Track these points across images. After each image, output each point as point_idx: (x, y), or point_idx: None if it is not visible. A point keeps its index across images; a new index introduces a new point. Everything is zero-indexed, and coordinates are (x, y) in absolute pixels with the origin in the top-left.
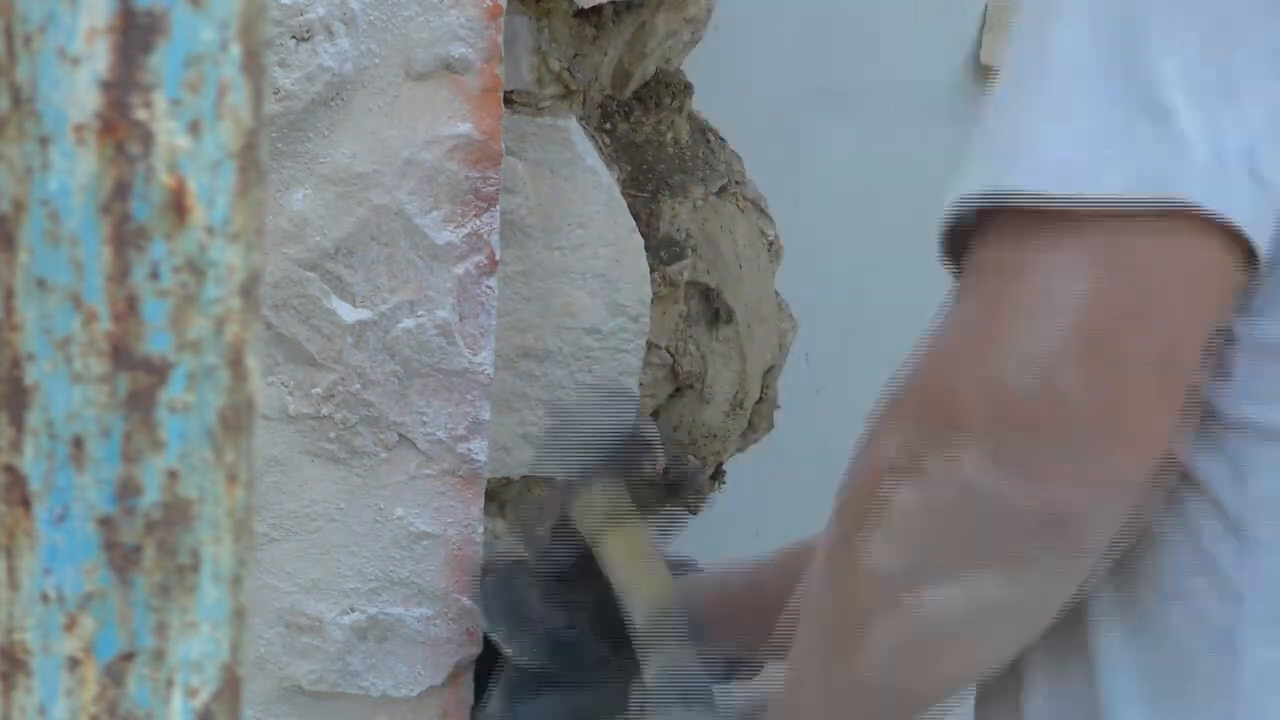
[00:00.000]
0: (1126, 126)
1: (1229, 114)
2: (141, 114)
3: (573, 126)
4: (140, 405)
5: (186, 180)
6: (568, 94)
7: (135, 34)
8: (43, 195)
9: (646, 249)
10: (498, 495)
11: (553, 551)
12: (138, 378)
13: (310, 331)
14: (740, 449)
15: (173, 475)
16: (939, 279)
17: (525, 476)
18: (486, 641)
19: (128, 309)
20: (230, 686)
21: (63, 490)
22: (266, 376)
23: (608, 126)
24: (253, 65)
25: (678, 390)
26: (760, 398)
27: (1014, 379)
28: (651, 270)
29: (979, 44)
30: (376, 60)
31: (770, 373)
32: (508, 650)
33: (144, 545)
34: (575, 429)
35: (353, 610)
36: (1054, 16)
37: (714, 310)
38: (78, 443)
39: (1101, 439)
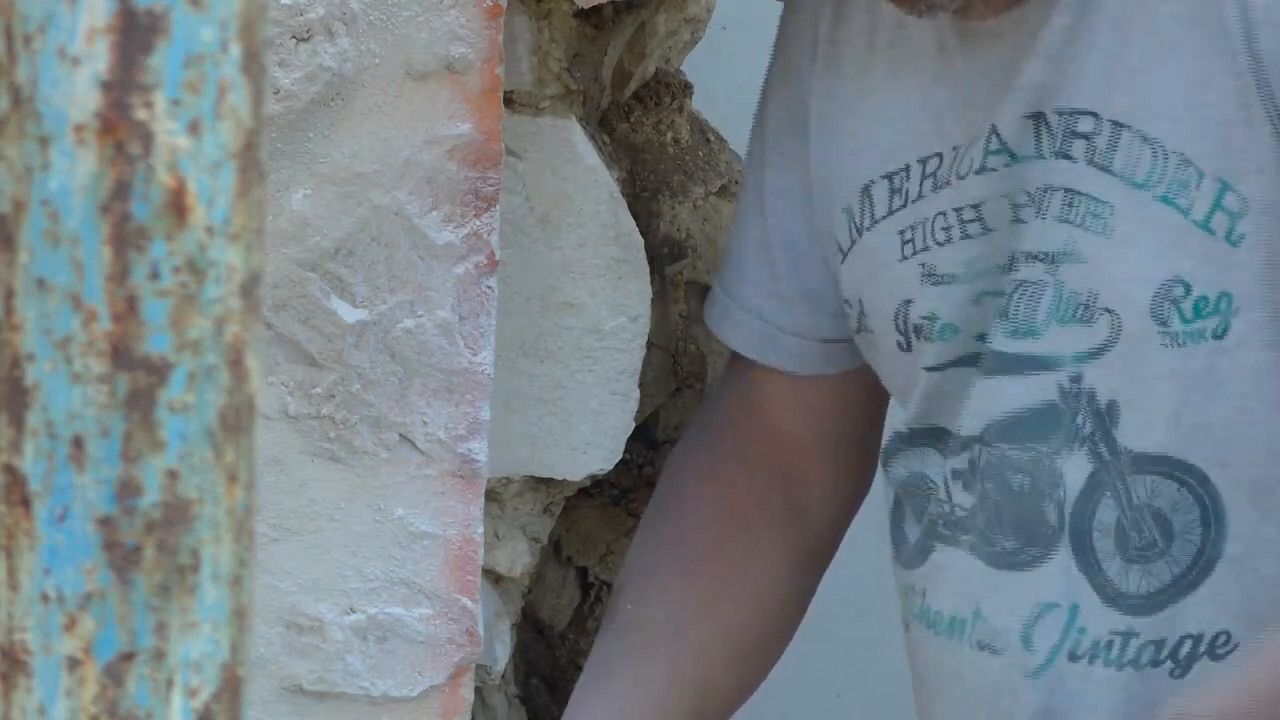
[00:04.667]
0: None
1: None
2: (141, 114)
3: (573, 126)
4: (140, 405)
5: (186, 180)
6: (568, 94)
7: (135, 34)
8: (43, 195)
9: (646, 249)
10: (498, 495)
11: None
12: (138, 378)
13: (310, 331)
14: None
15: (173, 475)
16: None
17: (525, 476)
18: None
19: (128, 309)
20: (230, 686)
21: (63, 490)
22: (266, 376)
23: (608, 126)
24: (253, 65)
25: (678, 390)
26: None
27: None
28: (651, 270)
29: None
30: (376, 60)
31: None
32: None
33: (144, 545)
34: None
35: (353, 610)
36: None
37: None
38: (78, 443)
39: None
